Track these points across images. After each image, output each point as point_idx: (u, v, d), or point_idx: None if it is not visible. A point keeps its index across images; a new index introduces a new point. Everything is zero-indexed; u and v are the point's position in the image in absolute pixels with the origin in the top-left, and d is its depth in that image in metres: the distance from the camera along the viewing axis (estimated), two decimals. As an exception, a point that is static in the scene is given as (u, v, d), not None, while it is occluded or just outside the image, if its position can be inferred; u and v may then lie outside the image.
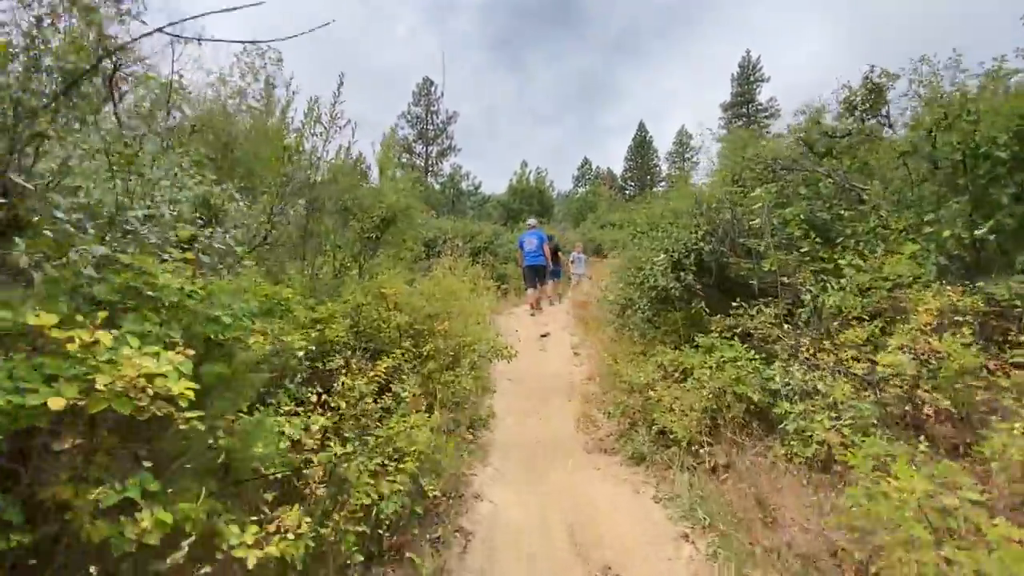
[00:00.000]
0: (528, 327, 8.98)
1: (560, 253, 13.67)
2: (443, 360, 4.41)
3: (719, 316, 4.51)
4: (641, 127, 53.41)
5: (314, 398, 2.83)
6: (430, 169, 38.54)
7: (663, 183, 50.82)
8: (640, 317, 5.47)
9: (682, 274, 4.91)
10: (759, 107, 43.49)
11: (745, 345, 4.15)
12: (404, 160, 38.85)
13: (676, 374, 4.38)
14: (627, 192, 46.94)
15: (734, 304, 4.47)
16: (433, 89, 40.94)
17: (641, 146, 52.64)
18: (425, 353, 4.20)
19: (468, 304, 5.78)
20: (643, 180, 51.01)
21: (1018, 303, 3.23)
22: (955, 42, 4.78)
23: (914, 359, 3.10)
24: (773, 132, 9.51)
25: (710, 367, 4.01)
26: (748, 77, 43.89)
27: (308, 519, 1.98)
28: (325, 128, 4.32)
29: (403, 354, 3.83)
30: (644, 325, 5.45)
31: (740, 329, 4.35)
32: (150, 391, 1.44)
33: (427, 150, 39.92)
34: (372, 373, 3.36)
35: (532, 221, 11.29)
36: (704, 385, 3.91)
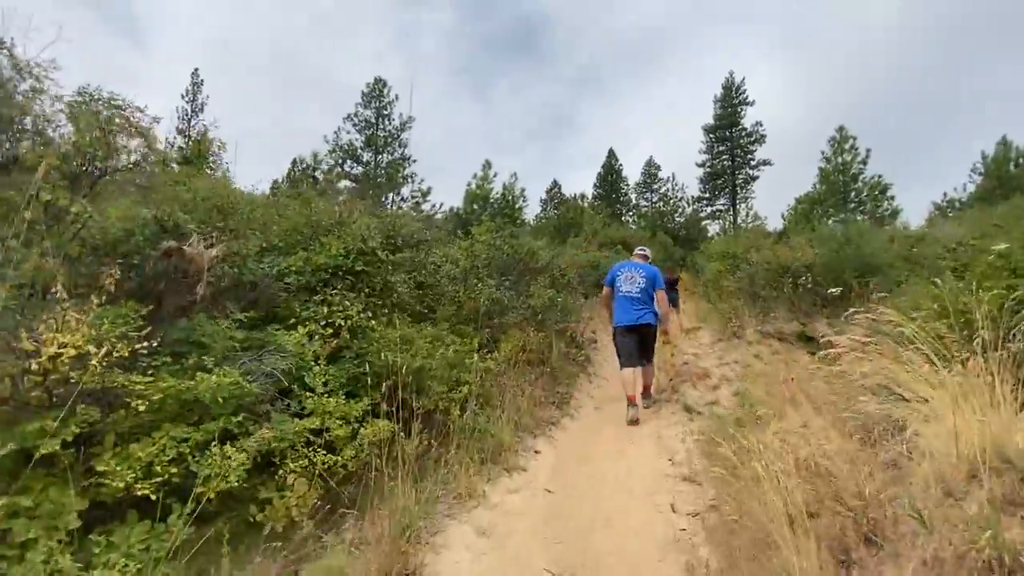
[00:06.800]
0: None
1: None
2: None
3: None
4: (611, 154, 45.95)
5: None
6: (379, 180, 29.63)
7: (632, 212, 44.00)
8: None
9: None
10: (744, 131, 36.78)
11: None
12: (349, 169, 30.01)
13: None
14: (597, 219, 39.23)
15: None
16: (386, 91, 32.20)
17: (610, 174, 45.30)
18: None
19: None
20: (613, 209, 43.68)
21: None
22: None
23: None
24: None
25: None
26: (732, 99, 37.14)
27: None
28: None
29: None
30: None
31: None
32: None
33: (376, 159, 30.96)
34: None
35: (643, 251, 5.42)
36: None
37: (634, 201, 45.78)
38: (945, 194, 20.46)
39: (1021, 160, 19.34)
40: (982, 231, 6.33)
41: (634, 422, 4.36)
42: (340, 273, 3.65)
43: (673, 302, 8.05)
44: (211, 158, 18.39)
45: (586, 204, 36.29)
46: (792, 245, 7.51)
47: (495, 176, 19.26)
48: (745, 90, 36.81)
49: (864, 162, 22.24)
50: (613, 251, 12.20)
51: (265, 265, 3.64)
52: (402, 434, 2.87)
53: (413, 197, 22.03)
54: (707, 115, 38.80)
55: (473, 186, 19.27)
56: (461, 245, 7.03)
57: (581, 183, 79.73)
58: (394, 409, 3.01)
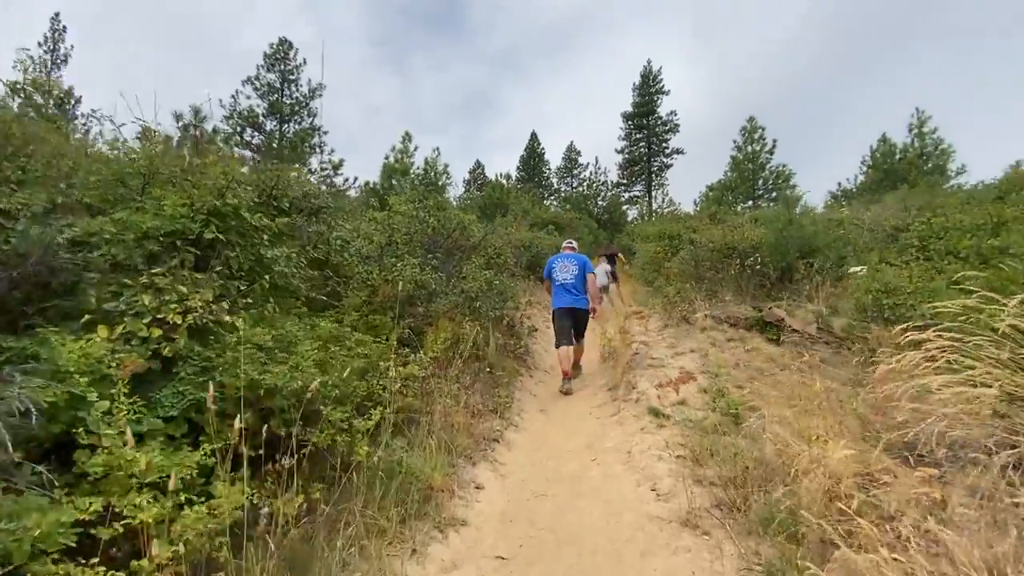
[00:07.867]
0: None
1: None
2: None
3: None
4: (533, 137, 45.49)
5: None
6: (284, 150, 26.55)
7: (553, 196, 44.05)
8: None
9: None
10: (659, 119, 37.80)
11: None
12: (249, 139, 26.62)
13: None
14: (521, 202, 38.58)
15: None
16: (292, 54, 28.89)
17: (532, 157, 44.83)
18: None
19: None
20: (536, 191, 43.33)
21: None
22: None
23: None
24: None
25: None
26: (649, 88, 37.93)
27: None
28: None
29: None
30: None
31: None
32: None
33: (281, 128, 27.72)
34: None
35: (571, 244, 5.85)
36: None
37: (556, 185, 45.88)
38: (839, 184, 22.07)
39: (901, 156, 21.24)
40: (932, 211, 6.27)
41: (567, 392, 4.91)
42: (179, 244, 2.37)
43: (612, 275, 8.77)
44: (62, 106, 15.31)
45: (510, 185, 35.47)
46: (735, 225, 7.12)
47: (416, 150, 17.71)
48: (662, 79, 37.67)
49: (771, 152, 23.40)
50: (545, 231, 11.40)
51: (52, 228, 2.27)
52: (269, 499, 1.75)
53: (323, 169, 19.80)
54: (626, 103, 39.42)
55: (391, 159, 17.57)
56: (376, 217, 5.78)
57: (504, 165, 78.69)
58: (261, 455, 1.88)
